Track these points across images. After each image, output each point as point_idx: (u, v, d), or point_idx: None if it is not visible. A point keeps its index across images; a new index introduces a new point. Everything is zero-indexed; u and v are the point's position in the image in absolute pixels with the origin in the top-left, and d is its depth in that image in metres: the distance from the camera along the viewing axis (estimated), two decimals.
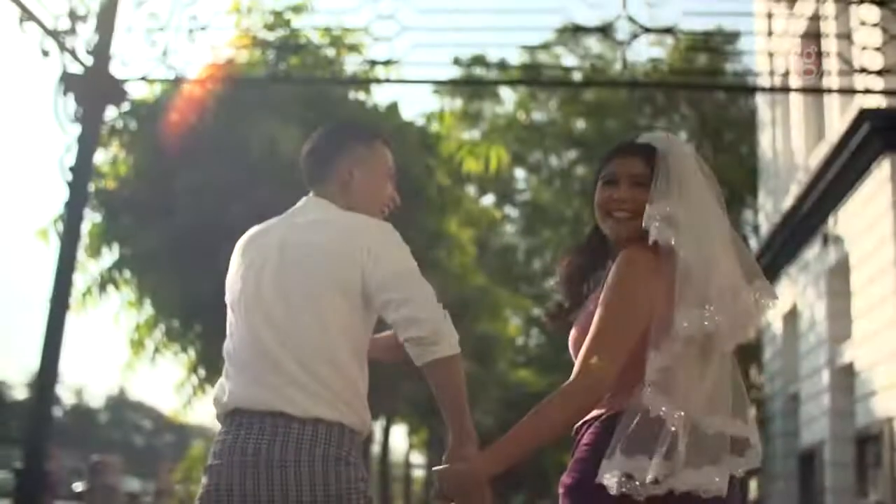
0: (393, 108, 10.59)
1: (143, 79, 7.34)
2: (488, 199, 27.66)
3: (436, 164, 10.76)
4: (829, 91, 10.51)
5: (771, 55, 19.25)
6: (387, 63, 7.17)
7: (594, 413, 2.79)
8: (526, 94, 28.67)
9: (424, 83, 7.46)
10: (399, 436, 41.46)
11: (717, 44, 28.15)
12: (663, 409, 2.61)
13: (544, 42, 28.55)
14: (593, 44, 28.85)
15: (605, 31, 6.90)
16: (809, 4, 15.32)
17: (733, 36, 28.54)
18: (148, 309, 10.88)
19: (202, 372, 11.27)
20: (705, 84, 7.05)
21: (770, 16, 16.58)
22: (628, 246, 2.86)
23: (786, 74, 18.50)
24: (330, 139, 3.27)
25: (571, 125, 28.35)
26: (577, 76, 28.90)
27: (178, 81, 7.84)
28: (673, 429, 2.61)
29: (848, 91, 8.65)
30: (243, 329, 3.02)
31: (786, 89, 15.16)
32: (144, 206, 9.81)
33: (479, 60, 28.40)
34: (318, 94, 9.91)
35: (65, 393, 67.68)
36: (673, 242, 2.75)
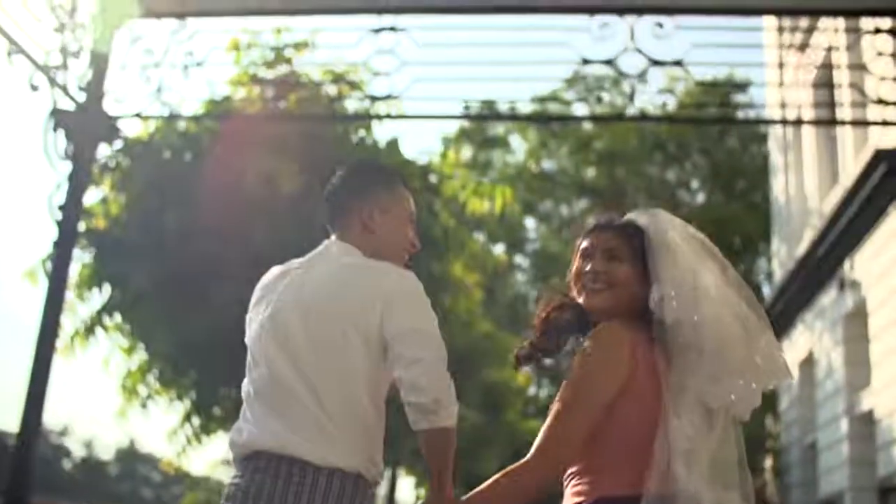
0: (393, 144, 10.34)
1: (136, 115, 7.16)
2: (498, 248, 27.40)
3: (440, 205, 10.49)
4: (843, 123, 10.35)
5: (783, 106, 19.31)
6: (387, 98, 6.99)
7: (576, 500, 2.84)
8: (536, 142, 28.55)
9: (426, 118, 7.26)
10: (406, 488, 40.89)
11: (727, 91, 28.24)
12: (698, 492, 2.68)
13: (554, 90, 28.58)
14: (604, 94, 28.69)
15: (612, 63, 6.70)
16: (820, 52, 15.16)
17: (744, 85, 28.65)
18: (140, 353, 10.61)
19: (196, 420, 10.96)
20: (715, 119, 6.88)
21: (781, 65, 16.62)
22: (601, 319, 2.97)
23: (798, 122, 18.42)
24: (351, 182, 3.27)
25: (582, 174, 28.18)
26: (587, 124, 28.74)
27: (172, 118, 7.68)
28: None
29: (864, 123, 8.43)
30: (265, 372, 3.02)
31: (799, 122, 14.92)
32: (136, 247, 9.57)
33: (488, 107, 28.36)
34: (316, 133, 9.69)
35: (74, 445, 67.23)
36: (673, 319, 2.84)
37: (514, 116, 9.51)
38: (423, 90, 6.62)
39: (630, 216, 3.19)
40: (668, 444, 2.72)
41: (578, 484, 2.87)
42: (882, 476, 12.51)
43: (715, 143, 28.25)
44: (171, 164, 9.45)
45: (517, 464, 2.92)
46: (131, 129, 9.34)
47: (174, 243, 9.33)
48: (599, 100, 28.90)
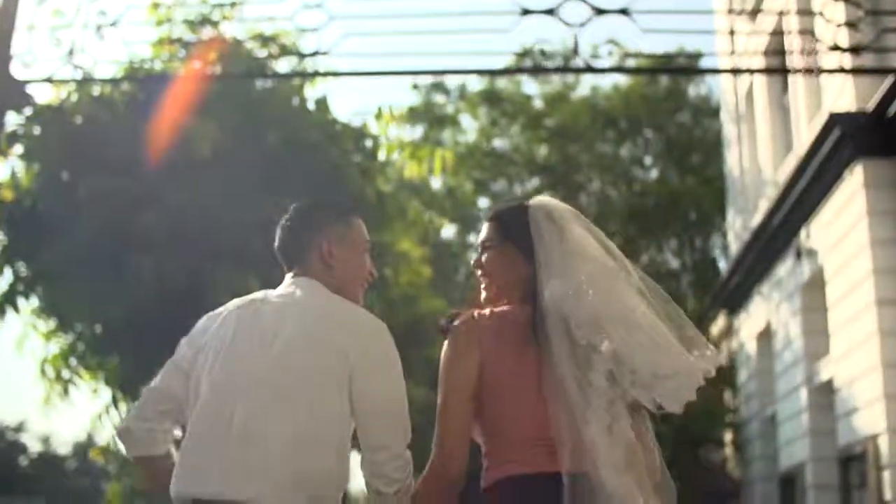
0: (322, 103, 9.81)
1: (47, 80, 6.70)
2: (451, 230, 27.07)
3: (375, 170, 9.99)
4: (796, 72, 10.07)
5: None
6: (314, 55, 6.58)
7: (484, 484, 2.91)
8: (487, 121, 28.20)
9: (357, 75, 6.85)
10: None
11: (679, 65, 28.05)
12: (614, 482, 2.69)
13: (505, 66, 28.19)
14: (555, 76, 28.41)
15: (553, 12, 6.32)
16: (772, 18, 14.92)
17: (695, 56, 28.48)
18: (60, 336, 10.09)
19: (123, 406, 10.43)
20: (665, 69, 6.51)
21: (732, 33, 16.37)
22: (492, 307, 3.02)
23: (749, 93, 18.22)
24: (306, 218, 3.29)
25: (534, 152, 27.88)
26: (538, 103, 28.43)
27: (85, 82, 7.22)
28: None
29: (818, 72, 8.16)
30: (213, 407, 2.95)
31: (750, 71, 14.67)
32: (48, 220, 9.04)
33: (438, 86, 27.98)
34: (237, 94, 9.20)
35: (30, 441, 66.20)
36: (555, 308, 2.85)
37: (450, 71, 8.55)
38: (353, 46, 6.22)
39: (520, 202, 3.18)
40: (573, 427, 2.74)
41: (487, 468, 2.95)
42: (842, 445, 12.32)
43: (667, 118, 28.05)
44: (85, 131, 8.91)
45: (426, 470, 2.99)
46: (41, 94, 8.86)
47: (88, 214, 8.81)
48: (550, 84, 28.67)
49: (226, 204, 8.50)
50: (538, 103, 28.42)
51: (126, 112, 8.86)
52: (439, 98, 28.26)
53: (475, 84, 28.25)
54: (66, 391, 10.19)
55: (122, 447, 3.22)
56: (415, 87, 27.99)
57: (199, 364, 3.08)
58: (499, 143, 28.43)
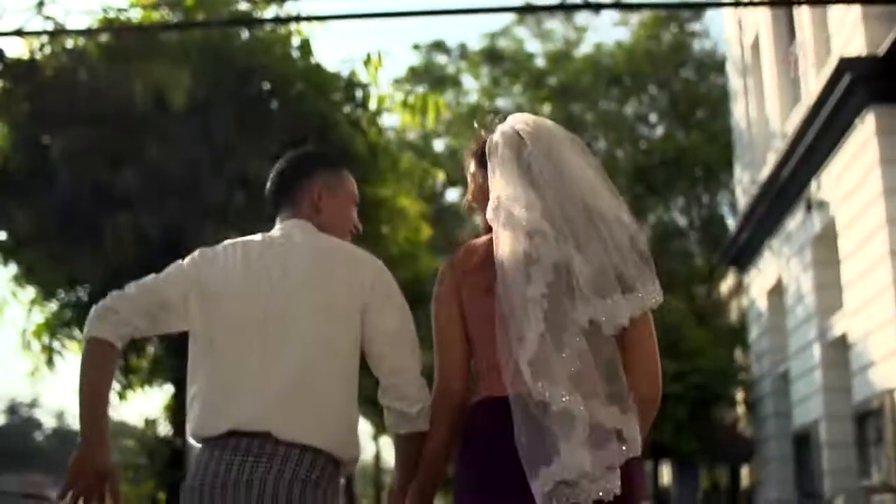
0: (305, 46, 9.32)
1: (16, 33, 6.35)
2: (454, 193, 26.75)
3: (366, 118, 9.55)
4: (801, 2, 9.67)
5: (740, 24, 18.66)
6: None
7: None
8: (489, 80, 27.80)
9: (340, 18, 6.48)
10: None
11: (682, 19, 27.58)
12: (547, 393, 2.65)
13: (504, 26, 27.80)
14: (555, 24, 27.97)
15: None
16: None
17: (700, 4, 27.96)
18: (48, 304, 9.76)
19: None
20: (667, 4, 6.10)
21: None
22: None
23: (755, 44, 17.81)
24: (299, 164, 3.35)
25: (537, 111, 27.47)
26: (540, 62, 28.02)
27: (57, 34, 6.87)
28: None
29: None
30: (235, 352, 2.99)
31: (755, 3, 14.26)
32: (19, 181, 8.64)
33: (439, 46, 27.58)
34: (219, 43, 8.79)
35: (45, 416, 66.47)
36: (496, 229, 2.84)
37: (441, 11, 7.80)
38: None
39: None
40: (511, 351, 2.71)
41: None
42: (858, 402, 12.03)
43: (671, 74, 27.64)
44: (57, 85, 8.52)
45: (431, 396, 3.03)
46: (11, 48, 8.46)
47: (62, 173, 8.43)
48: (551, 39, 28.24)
49: (206, 158, 8.14)
50: (540, 62, 28.01)
51: (100, 65, 8.44)
52: (440, 58, 27.83)
53: (476, 43, 27.87)
54: (51, 361, 9.87)
55: (87, 326, 2.96)
56: (415, 47, 27.60)
57: (206, 297, 3.08)
58: (501, 102, 28.04)
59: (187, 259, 3.17)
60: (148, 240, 8.12)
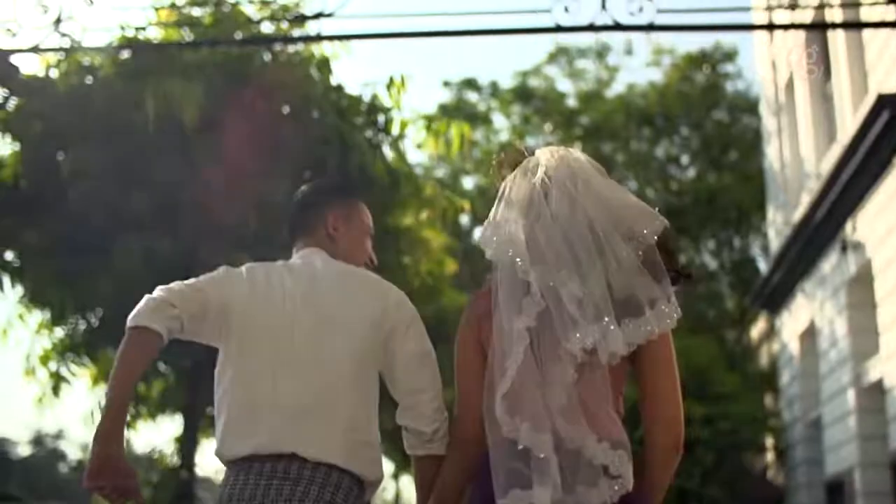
0: (324, 65, 9.10)
1: (33, 50, 6.20)
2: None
3: (384, 141, 9.29)
4: (836, 26, 9.42)
5: (774, 66, 18.43)
6: (318, 17, 6.02)
7: None
8: (520, 119, 27.64)
9: (362, 38, 6.29)
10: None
11: (715, 61, 27.38)
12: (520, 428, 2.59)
13: (536, 65, 27.67)
14: (587, 64, 27.81)
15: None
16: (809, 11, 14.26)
17: (732, 54, 27.79)
18: (52, 331, 9.55)
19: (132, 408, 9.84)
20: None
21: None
22: None
23: (789, 84, 17.56)
24: (313, 194, 3.46)
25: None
26: (571, 101, 27.86)
27: (73, 51, 6.72)
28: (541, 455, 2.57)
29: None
30: (259, 372, 3.04)
31: (784, 27, 14.06)
32: (32, 198, 8.43)
33: (470, 84, 27.46)
34: (237, 61, 8.59)
35: (70, 448, 66.39)
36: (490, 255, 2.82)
37: (469, 32, 7.37)
38: (359, 7, 5.65)
39: None
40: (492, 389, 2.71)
41: None
42: (894, 449, 11.62)
43: (704, 115, 27.40)
44: (70, 103, 8.35)
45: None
46: (27, 65, 8.31)
47: (73, 192, 8.23)
48: (583, 78, 28.08)
49: (220, 179, 7.93)
50: (571, 102, 27.85)
51: (116, 83, 8.28)
52: (471, 96, 27.71)
53: (507, 82, 27.73)
54: (57, 389, 9.65)
55: (134, 315, 2.93)
56: (446, 84, 27.49)
57: (231, 314, 3.11)
58: (532, 141, 27.87)
59: (216, 273, 3.19)
60: (159, 262, 7.89)
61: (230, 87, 8.23)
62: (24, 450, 59.70)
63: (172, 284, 3.07)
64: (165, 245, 8.00)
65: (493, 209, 2.90)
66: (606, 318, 2.62)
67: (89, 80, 8.54)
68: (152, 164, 8.10)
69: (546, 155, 3.02)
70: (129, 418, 10.17)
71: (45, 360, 9.61)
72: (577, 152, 3.06)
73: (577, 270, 2.67)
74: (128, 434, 10.19)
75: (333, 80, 9.13)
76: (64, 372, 9.65)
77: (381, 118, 9.25)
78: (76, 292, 8.71)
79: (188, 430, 9.90)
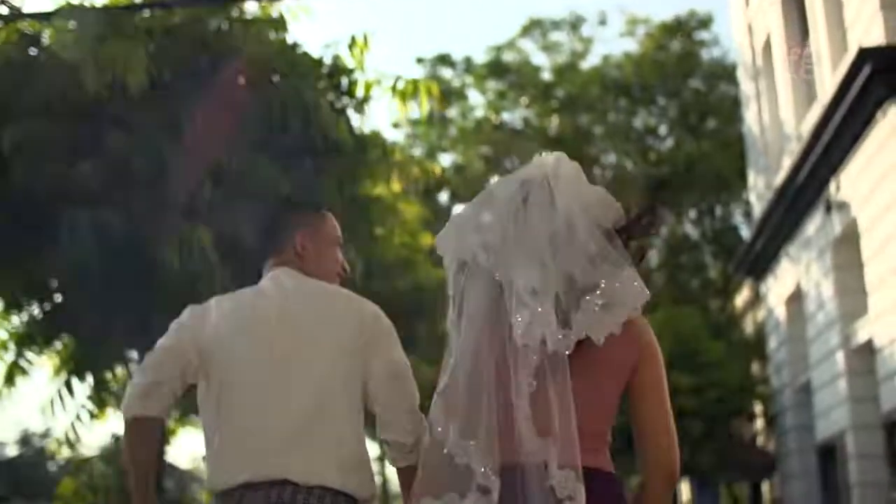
0: (280, 24, 8.70)
1: None
2: (461, 209, 26.26)
3: (348, 105, 8.95)
4: None
5: (750, 28, 18.19)
6: None
7: None
8: (495, 94, 27.33)
9: None
10: None
11: (690, 28, 27.16)
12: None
13: (509, 39, 27.37)
14: (561, 37, 27.53)
15: None
16: None
17: (707, 20, 27.56)
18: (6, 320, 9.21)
19: (76, 385, 9.49)
20: None
21: None
22: None
23: (766, 47, 17.32)
24: (278, 216, 3.46)
25: (545, 123, 27.01)
26: (546, 74, 27.58)
27: (12, 19, 6.41)
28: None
29: None
30: (242, 403, 3.04)
31: None
32: None
33: (444, 60, 27.12)
34: (185, 22, 8.22)
35: (58, 446, 65.93)
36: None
37: None
38: None
39: None
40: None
41: None
42: (887, 410, 11.48)
43: (680, 84, 27.18)
44: (10, 74, 8.00)
45: None
46: None
47: (14, 167, 7.87)
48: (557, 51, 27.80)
49: (175, 149, 7.59)
50: (547, 75, 27.57)
51: (61, 51, 7.91)
52: (445, 72, 27.37)
53: (481, 57, 27.42)
54: (10, 378, 9.32)
55: (128, 405, 3.00)
56: (420, 61, 27.16)
57: (205, 353, 3.09)
58: (508, 116, 27.59)
59: (182, 317, 3.17)
60: (111, 237, 7.54)
61: (183, 53, 7.88)
62: (11, 450, 59.15)
63: (148, 359, 3.09)
64: (115, 219, 7.62)
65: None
66: (562, 309, 2.49)
67: (33, 51, 8.19)
68: (101, 136, 7.72)
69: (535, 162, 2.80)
70: (95, 408, 9.93)
71: (2, 348, 9.27)
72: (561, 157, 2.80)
73: (536, 261, 2.54)
74: (91, 422, 9.95)
75: (290, 40, 8.78)
76: (22, 362, 9.32)
77: (344, 81, 8.91)
78: (25, 274, 8.38)
79: None
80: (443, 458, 2.51)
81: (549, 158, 2.77)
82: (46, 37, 8.24)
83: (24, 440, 64.84)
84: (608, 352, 2.53)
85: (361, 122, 9.03)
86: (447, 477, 2.50)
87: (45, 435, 64.24)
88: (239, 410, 3.04)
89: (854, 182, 12.14)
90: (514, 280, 2.52)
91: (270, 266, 3.32)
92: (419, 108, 9.01)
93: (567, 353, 2.47)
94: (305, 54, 8.80)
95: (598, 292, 2.51)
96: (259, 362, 3.06)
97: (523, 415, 2.45)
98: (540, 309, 2.48)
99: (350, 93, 8.88)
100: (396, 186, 9.54)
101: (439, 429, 2.54)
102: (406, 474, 3.08)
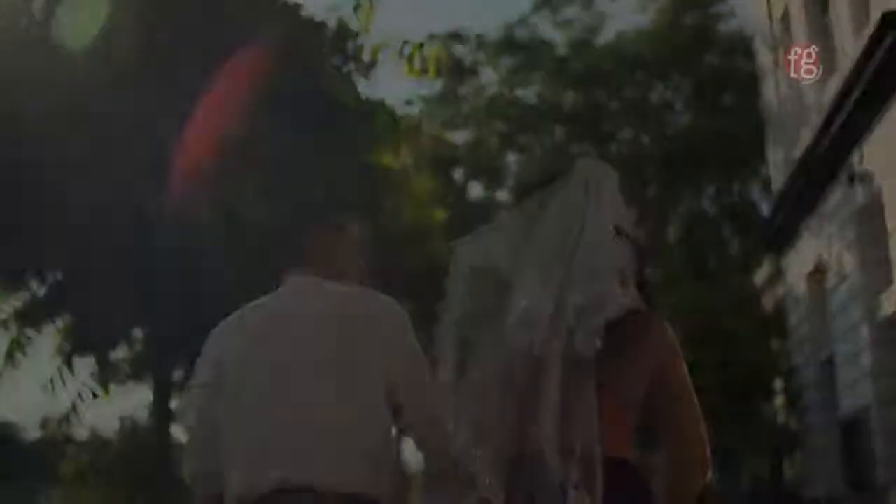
0: None
1: None
2: (477, 188, 26.03)
3: (354, 70, 8.72)
4: None
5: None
6: None
7: None
8: (508, 71, 27.06)
9: None
10: None
11: (705, 2, 26.78)
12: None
13: (521, 16, 27.09)
14: (574, 13, 27.21)
15: None
16: None
17: None
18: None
19: (75, 364, 9.33)
20: None
21: None
22: None
23: (784, 17, 17.01)
24: (300, 223, 3.45)
25: (560, 99, 26.73)
26: (560, 50, 27.29)
27: None
28: None
29: None
30: (261, 411, 2.97)
31: None
32: None
33: (456, 37, 26.84)
34: None
35: (80, 430, 66.24)
36: None
37: None
38: None
39: None
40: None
41: None
42: None
43: (696, 59, 26.84)
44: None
45: None
46: None
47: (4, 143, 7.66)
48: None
49: (171, 116, 7.38)
50: (560, 51, 27.27)
51: (45, 21, 7.70)
52: (457, 49, 27.10)
53: (494, 33, 27.16)
54: (10, 355, 9.17)
55: (197, 489, 3.04)
56: (432, 37, 26.86)
57: (223, 371, 3.05)
58: (522, 92, 27.31)
59: (200, 368, 3.11)
60: (105, 208, 7.35)
61: (180, 16, 7.66)
62: (31, 434, 59.59)
63: (191, 433, 3.11)
64: (108, 189, 7.40)
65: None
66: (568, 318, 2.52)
67: (22, 22, 8.00)
68: (87, 104, 7.48)
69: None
70: (99, 385, 9.80)
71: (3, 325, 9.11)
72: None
73: (546, 271, 2.60)
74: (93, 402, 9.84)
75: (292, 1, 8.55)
76: (22, 340, 9.16)
77: (349, 45, 8.68)
78: (22, 253, 8.21)
79: (160, 397, 9.42)
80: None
81: (592, 162, 2.79)
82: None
83: (44, 424, 65.31)
84: (629, 356, 2.55)
85: (367, 89, 8.82)
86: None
87: (65, 419, 64.95)
88: (255, 420, 2.97)
89: (880, 151, 11.87)
90: (531, 287, 2.57)
91: (290, 271, 3.26)
92: (429, 72, 8.75)
93: (589, 358, 2.47)
94: (308, 17, 8.57)
95: (596, 299, 2.52)
96: (273, 373, 2.99)
97: (544, 431, 2.46)
98: (558, 316, 2.50)
99: (356, 58, 8.66)
100: (406, 157, 9.33)
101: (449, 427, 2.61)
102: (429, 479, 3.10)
